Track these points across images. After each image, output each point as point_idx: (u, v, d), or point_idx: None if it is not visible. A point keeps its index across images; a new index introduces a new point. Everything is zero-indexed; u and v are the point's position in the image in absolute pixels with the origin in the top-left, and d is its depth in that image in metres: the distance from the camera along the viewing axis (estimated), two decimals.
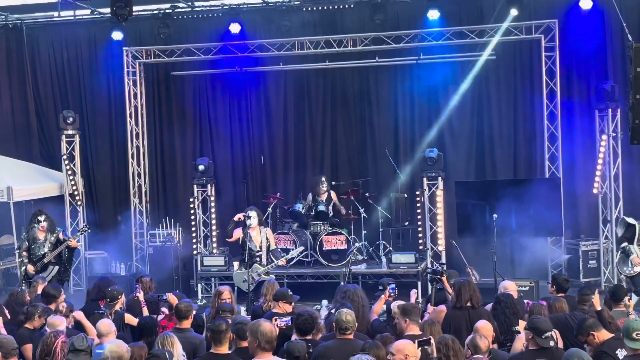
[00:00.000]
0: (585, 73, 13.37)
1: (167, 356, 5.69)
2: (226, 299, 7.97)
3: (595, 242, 12.59)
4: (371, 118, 14.22)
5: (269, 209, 13.17)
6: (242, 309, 9.37)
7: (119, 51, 14.12)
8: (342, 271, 12.06)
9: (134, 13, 10.97)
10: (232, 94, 14.63)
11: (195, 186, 13.40)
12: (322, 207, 12.68)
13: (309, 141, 14.50)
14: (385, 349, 5.73)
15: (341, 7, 14.01)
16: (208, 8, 14.41)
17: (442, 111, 13.64)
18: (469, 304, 7.20)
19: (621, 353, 5.87)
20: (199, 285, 12.89)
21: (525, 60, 13.54)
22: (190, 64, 14.13)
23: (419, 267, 12.08)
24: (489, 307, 7.41)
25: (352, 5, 13.92)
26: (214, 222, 13.31)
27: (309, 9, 14.02)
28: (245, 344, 6.07)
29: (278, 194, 13.55)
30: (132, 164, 14.17)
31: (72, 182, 13.88)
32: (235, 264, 11.47)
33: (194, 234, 13.41)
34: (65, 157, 13.86)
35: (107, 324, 6.79)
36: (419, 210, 12.98)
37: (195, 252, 13.33)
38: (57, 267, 10.93)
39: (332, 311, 7.39)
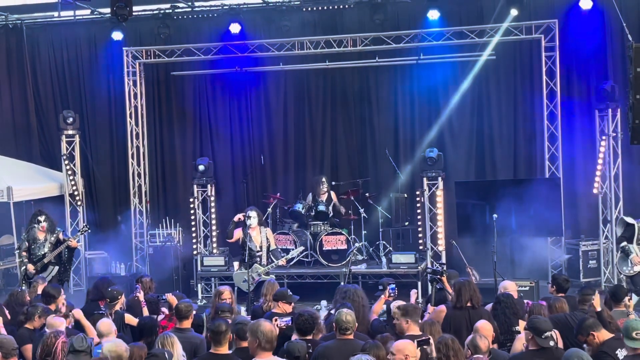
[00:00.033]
0: (585, 73, 13.37)
1: (167, 356, 5.69)
2: (226, 299, 7.98)
3: (595, 242, 12.59)
4: (371, 118, 14.22)
5: (269, 209, 13.17)
6: (242, 309, 9.37)
7: (119, 51, 14.11)
8: (342, 271, 12.06)
9: (134, 13, 10.97)
10: (232, 94, 14.63)
11: (195, 186, 13.39)
12: (322, 207, 12.68)
13: (309, 141, 14.50)
14: (385, 348, 5.74)
15: (341, 7, 14.01)
16: (208, 8, 14.41)
17: (442, 111, 13.65)
18: (469, 304, 7.20)
19: (621, 353, 5.87)
20: (199, 285, 12.89)
21: (525, 60, 13.54)
22: (190, 64, 14.13)
23: (419, 267, 12.08)
24: (489, 307, 7.41)
25: (352, 5, 13.92)
26: (214, 222, 13.31)
27: (309, 9, 14.02)
28: (245, 344, 6.07)
29: (278, 194, 13.55)
30: (132, 164, 14.17)
31: (72, 182, 13.88)
32: (235, 264, 11.48)
33: (194, 234, 13.41)
34: (65, 157, 13.86)
35: (107, 324, 6.79)
36: (419, 210, 12.99)
37: (195, 252, 13.33)
38: (57, 267, 10.93)
39: (332, 311, 7.39)
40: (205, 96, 14.77)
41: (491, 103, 13.78)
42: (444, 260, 12.31)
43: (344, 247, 12.48)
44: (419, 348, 5.59)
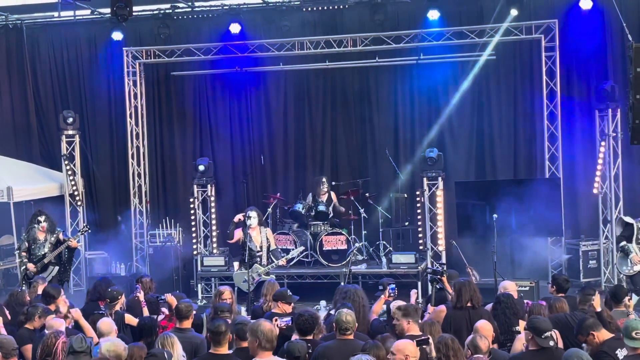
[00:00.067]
0: (585, 73, 13.37)
1: (166, 356, 5.68)
2: (227, 299, 7.98)
3: (595, 242, 12.59)
4: (371, 118, 14.22)
5: (269, 209, 13.17)
6: (243, 309, 9.38)
7: (119, 51, 14.12)
8: (342, 271, 12.06)
9: (134, 13, 10.93)
10: (232, 94, 14.63)
11: (195, 186, 13.39)
12: (322, 208, 12.68)
13: (309, 141, 14.50)
14: (385, 347, 5.73)
15: (341, 7, 14.01)
16: (208, 8, 14.40)
17: (442, 111, 13.65)
18: (469, 304, 7.20)
19: (621, 353, 5.87)
20: (199, 285, 12.90)
21: (525, 60, 13.54)
22: (191, 64, 14.13)
23: (419, 267, 12.08)
24: (489, 307, 7.41)
25: (352, 5, 13.92)
26: (214, 222, 13.31)
27: (309, 9, 14.02)
28: (245, 344, 6.07)
29: (278, 194, 13.55)
30: (132, 164, 14.17)
31: (72, 182, 13.88)
32: (236, 264, 11.48)
33: (194, 234, 13.41)
34: (65, 157, 13.86)
35: (108, 324, 6.79)
36: (419, 210, 12.99)
37: (195, 252, 13.33)
38: (57, 268, 10.94)
39: (332, 311, 7.39)
40: (205, 96, 14.77)
41: (491, 103, 13.78)
42: (444, 260, 12.31)
43: (344, 247, 12.48)
44: (418, 348, 5.60)
